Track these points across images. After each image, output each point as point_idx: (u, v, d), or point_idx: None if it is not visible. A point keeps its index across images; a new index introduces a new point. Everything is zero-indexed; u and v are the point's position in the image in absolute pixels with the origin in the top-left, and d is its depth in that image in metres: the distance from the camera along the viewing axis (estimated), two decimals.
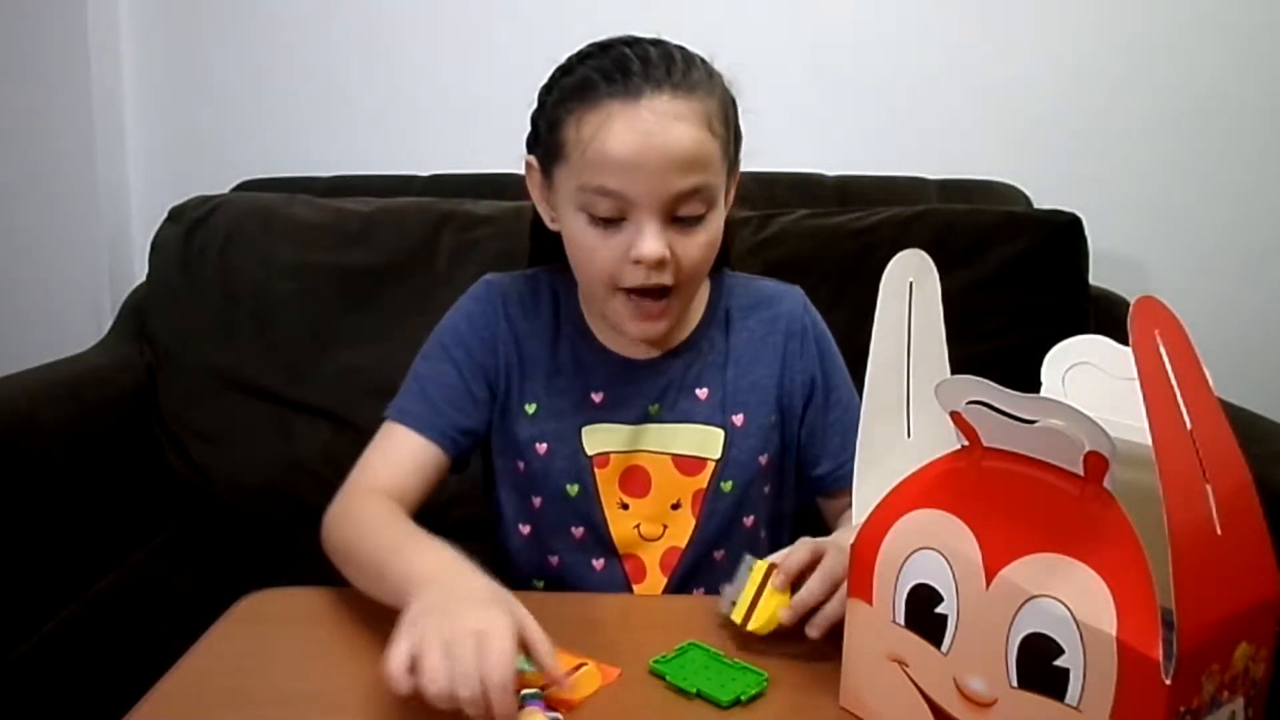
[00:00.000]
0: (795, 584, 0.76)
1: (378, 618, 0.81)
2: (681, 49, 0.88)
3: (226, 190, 1.58)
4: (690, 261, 0.86)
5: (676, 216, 0.84)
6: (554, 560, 0.96)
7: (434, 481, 0.92)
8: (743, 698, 0.68)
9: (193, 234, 1.48)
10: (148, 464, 1.43)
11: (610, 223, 0.85)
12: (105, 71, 1.69)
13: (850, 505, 0.96)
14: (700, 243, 0.86)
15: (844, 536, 0.82)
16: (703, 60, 0.89)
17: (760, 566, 0.76)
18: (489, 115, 1.64)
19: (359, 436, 1.39)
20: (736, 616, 0.75)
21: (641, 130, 0.82)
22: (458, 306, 0.99)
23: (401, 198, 1.52)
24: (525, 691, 0.66)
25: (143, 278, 1.53)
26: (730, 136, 0.89)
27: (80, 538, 1.28)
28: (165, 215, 1.52)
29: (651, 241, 0.83)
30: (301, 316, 1.45)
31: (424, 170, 1.62)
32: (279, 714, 0.67)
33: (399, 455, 0.92)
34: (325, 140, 1.71)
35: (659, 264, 0.84)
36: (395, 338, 1.40)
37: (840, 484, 0.96)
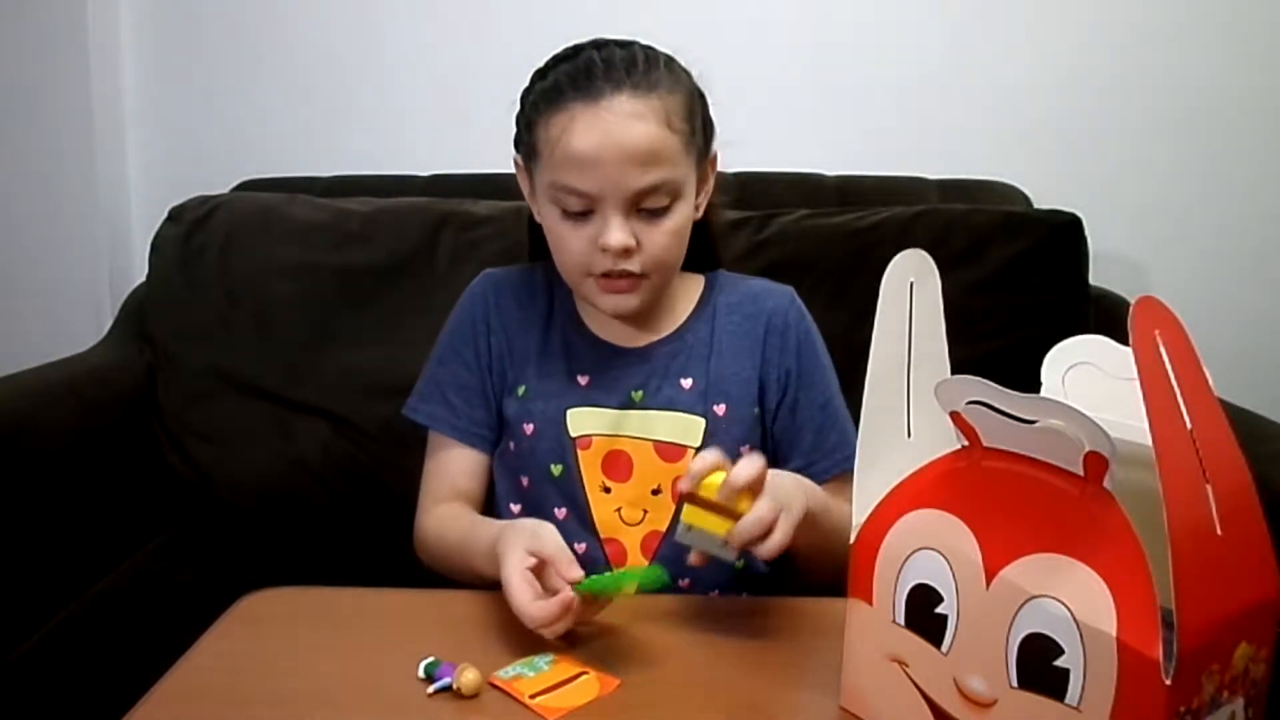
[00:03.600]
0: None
1: (378, 618, 0.81)
2: (648, 50, 0.93)
3: (226, 190, 1.57)
4: (656, 249, 0.92)
5: (641, 208, 0.90)
6: None
7: (487, 472, 1.02)
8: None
9: (193, 234, 1.48)
10: (148, 464, 1.43)
11: (580, 215, 0.91)
12: (105, 71, 1.69)
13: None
14: (666, 231, 0.92)
15: (808, 482, 0.86)
16: (668, 60, 0.94)
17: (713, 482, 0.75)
18: (489, 115, 1.62)
19: (359, 436, 1.42)
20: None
21: (601, 130, 0.88)
22: (459, 305, 1.05)
23: (401, 198, 1.52)
24: (428, 660, 0.70)
25: (143, 278, 1.53)
26: (695, 129, 0.94)
27: (80, 537, 1.28)
28: (165, 215, 1.51)
29: (616, 233, 0.89)
30: (301, 316, 1.44)
31: (424, 170, 1.62)
32: (279, 714, 0.68)
33: (446, 465, 1.01)
34: (325, 140, 1.71)
35: (624, 253, 0.90)
36: (395, 338, 1.41)
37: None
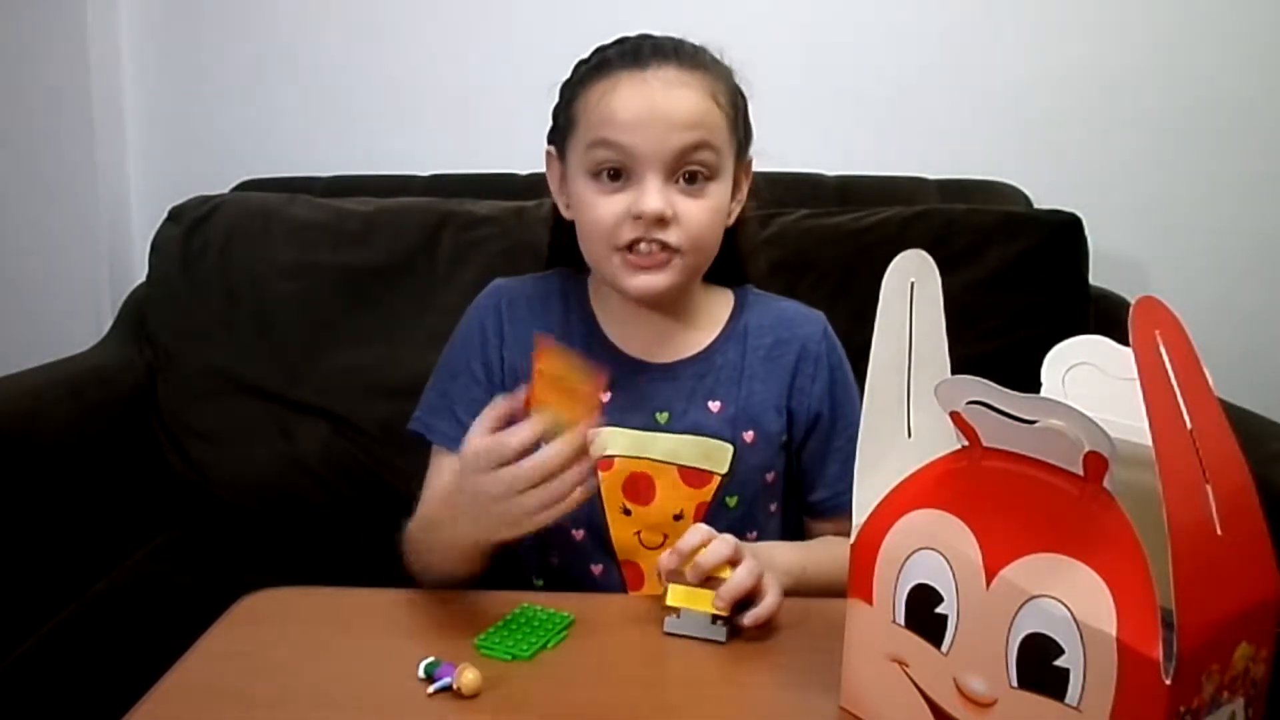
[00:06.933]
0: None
1: (378, 618, 0.81)
2: (694, 44, 0.92)
3: (226, 190, 1.58)
4: (693, 224, 0.87)
5: (680, 175, 0.87)
6: (554, 560, 0.96)
7: None
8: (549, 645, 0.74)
9: (193, 234, 1.48)
10: (148, 464, 1.43)
11: (614, 179, 0.87)
12: (105, 71, 1.69)
13: (830, 531, 0.96)
14: (704, 207, 0.88)
15: (778, 548, 0.86)
16: (713, 56, 0.92)
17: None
18: (489, 115, 1.65)
19: (359, 436, 1.42)
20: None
21: (646, 94, 0.85)
22: (467, 316, 1.00)
23: (401, 198, 1.52)
24: (428, 660, 0.70)
25: (143, 278, 1.53)
26: (737, 119, 0.91)
27: (80, 538, 1.28)
28: (165, 215, 1.52)
29: (653, 196, 0.85)
30: (301, 316, 1.45)
31: (424, 170, 1.62)
32: (279, 714, 0.68)
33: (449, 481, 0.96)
34: (325, 140, 1.71)
35: (660, 220, 0.85)
36: (395, 338, 1.41)
37: (831, 512, 0.97)
